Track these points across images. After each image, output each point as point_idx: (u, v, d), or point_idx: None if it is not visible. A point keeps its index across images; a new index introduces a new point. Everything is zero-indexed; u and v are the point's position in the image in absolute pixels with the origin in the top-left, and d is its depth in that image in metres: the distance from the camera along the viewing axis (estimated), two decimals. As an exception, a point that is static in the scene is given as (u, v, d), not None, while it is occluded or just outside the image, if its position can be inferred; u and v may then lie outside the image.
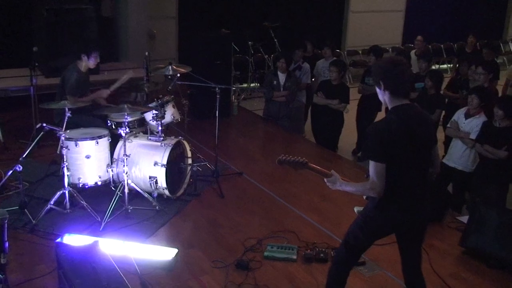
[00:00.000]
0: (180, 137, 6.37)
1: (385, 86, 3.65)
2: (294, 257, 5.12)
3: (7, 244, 3.17)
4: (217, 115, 6.58)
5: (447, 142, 7.23)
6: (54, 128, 5.71)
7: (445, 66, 14.62)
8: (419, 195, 3.75)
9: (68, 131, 5.81)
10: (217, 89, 6.53)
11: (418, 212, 3.78)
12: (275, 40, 11.89)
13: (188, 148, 6.48)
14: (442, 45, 14.82)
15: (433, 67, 10.85)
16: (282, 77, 8.50)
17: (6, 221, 3.17)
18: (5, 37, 9.36)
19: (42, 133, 5.77)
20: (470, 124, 6.51)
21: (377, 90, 3.76)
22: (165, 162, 5.91)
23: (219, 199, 6.35)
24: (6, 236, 3.17)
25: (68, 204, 5.69)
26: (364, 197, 3.91)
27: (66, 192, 5.65)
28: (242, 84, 12.04)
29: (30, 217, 5.45)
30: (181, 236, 5.54)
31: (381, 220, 3.77)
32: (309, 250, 5.19)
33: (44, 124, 5.72)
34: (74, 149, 5.74)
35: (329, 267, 4.11)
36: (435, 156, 3.95)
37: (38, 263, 4.86)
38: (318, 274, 4.87)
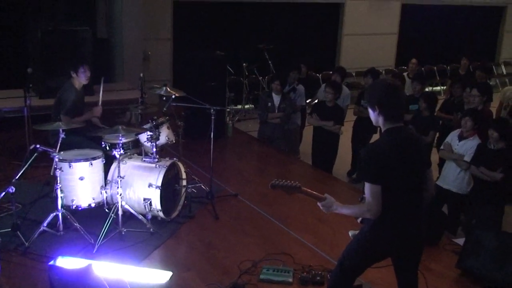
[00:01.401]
0: (174, 159, 6.34)
1: (380, 111, 3.66)
2: (290, 280, 5.07)
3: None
4: (211, 136, 6.57)
5: (441, 164, 7.24)
6: (48, 149, 5.66)
7: (438, 88, 14.71)
8: (415, 217, 3.74)
9: (61, 152, 5.77)
10: (212, 110, 6.53)
11: (414, 234, 3.76)
12: (270, 62, 11.94)
13: (182, 169, 6.44)
14: (435, 67, 14.93)
15: (427, 89, 10.89)
16: (276, 98, 8.51)
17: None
18: (1, 57, 9.36)
19: (35, 154, 5.71)
20: (464, 146, 6.52)
21: (370, 111, 3.76)
22: (159, 183, 5.87)
23: (214, 220, 6.31)
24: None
25: (61, 226, 5.62)
26: (359, 220, 3.88)
27: (59, 214, 5.59)
28: (236, 106, 12.06)
29: (23, 239, 5.37)
30: (175, 259, 5.48)
31: (376, 243, 3.75)
32: (305, 273, 5.14)
33: (38, 145, 5.66)
34: (67, 171, 5.69)
35: None
36: (429, 179, 3.93)
37: (31, 286, 4.79)
38: (314, 297, 4.83)
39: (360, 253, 3.82)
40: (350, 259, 3.86)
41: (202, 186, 6.83)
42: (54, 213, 5.58)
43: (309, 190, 3.78)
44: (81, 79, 6.77)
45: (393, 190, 3.59)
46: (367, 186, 3.60)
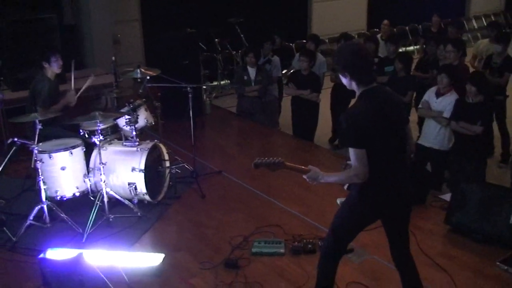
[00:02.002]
0: (155, 141, 6.28)
1: (351, 76, 3.65)
2: (282, 250, 5.10)
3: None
4: (191, 115, 6.51)
5: (420, 122, 7.28)
6: (26, 141, 5.57)
7: (411, 47, 14.73)
8: (400, 176, 3.76)
9: (40, 143, 5.67)
10: (188, 88, 6.47)
11: (401, 193, 3.78)
12: (242, 35, 11.84)
13: (164, 150, 6.39)
14: (407, 27, 14.92)
15: (400, 50, 10.89)
16: (252, 71, 8.45)
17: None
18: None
19: (14, 148, 5.63)
20: (442, 103, 6.54)
21: (342, 78, 3.74)
22: (142, 167, 5.82)
23: (201, 199, 6.29)
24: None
25: (47, 218, 5.56)
26: (345, 187, 3.89)
27: (45, 206, 5.52)
28: (212, 82, 11.96)
29: (10, 235, 5.32)
30: (166, 241, 5.46)
31: (365, 207, 3.76)
32: (296, 243, 5.17)
33: (16, 139, 5.58)
34: (48, 162, 5.60)
35: (318, 259, 4.08)
36: (408, 137, 3.95)
37: (24, 281, 4.75)
38: (307, 265, 4.85)
39: (351, 218, 3.84)
40: (341, 226, 3.88)
41: (186, 165, 6.80)
42: (39, 206, 5.52)
43: (293, 165, 3.78)
44: (53, 68, 6.59)
45: (377, 151, 3.59)
46: (352, 151, 3.59)
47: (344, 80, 3.73)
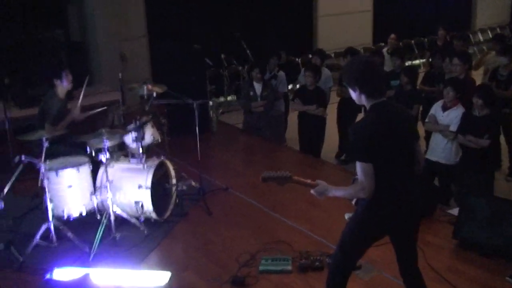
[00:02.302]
0: (162, 157, 6.28)
1: (360, 89, 3.63)
2: (289, 268, 5.07)
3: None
4: (197, 131, 6.52)
5: (428, 136, 7.25)
6: (33, 159, 5.58)
7: (417, 61, 14.72)
8: (408, 191, 3.73)
9: (47, 161, 5.67)
10: (194, 105, 6.48)
11: (409, 209, 3.75)
12: (248, 51, 11.87)
13: (171, 167, 6.39)
14: (412, 41, 14.93)
15: (406, 64, 10.89)
16: (258, 87, 8.46)
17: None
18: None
19: (21, 166, 5.64)
20: (448, 116, 6.53)
21: (351, 91, 3.73)
22: (149, 184, 5.81)
23: (208, 216, 6.27)
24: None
25: (54, 237, 5.54)
26: (353, 202, 3.87)
27: (51, 225, 5.50)
28: (219, 98, 11.98)
29: (17, 254, 5.31)
30: (173, 259, 5.44)
31: (373, 222, 3.74)
32: (303, 260, 5.13)
33: (23, 157, 5.59)
34: (55, 180, 5.61)
35: (327, 276, 4.05)
36: (418, 152, 3.93)
37: (30, 301, 4.75)
38: (315, 282, 4.82)
39: (359, 234, 3.81)
40: (349, 242, 3.85)
41: (192, 182, 6.79)
42: (46, 225, 5.50)
43: (301, 179, 3.76)
44: (64, 84, 6.61)
45: (385, 166, 3.57)
46: (359, 165, 3.57)
47: (353, 94, 3.72)
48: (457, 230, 5.41)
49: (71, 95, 7.60)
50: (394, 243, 3.94)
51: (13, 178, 5.64)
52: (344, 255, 3.89)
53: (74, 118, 6.73)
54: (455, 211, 5.82)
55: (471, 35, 16.00)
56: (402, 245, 3.93)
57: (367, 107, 3.71)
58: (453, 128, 6.41)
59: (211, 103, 9.61)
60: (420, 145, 3.94)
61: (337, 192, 3.74)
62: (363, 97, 3.66)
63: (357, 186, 3.63)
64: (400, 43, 13.67)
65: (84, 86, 6.87)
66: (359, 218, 3.79)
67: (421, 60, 14.53)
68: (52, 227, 5.52)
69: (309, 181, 3.77)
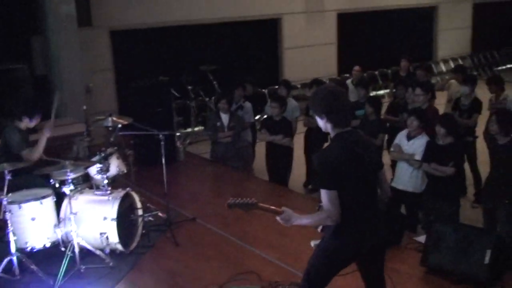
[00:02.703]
0: (128, 189, 6.20)
1: (327, 118, 3.67)
2: (258, 298, 5.02)
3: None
4: (163, 162, 6.47)
5: (394, 165, 7.32)
6: (-6, 192, 5.48)
7: (381, 91, 14.97)
8: (372, 219, 3.77)
9: (10, 194, 5.57)
10: (160, 136, 6.45)
11: (374, 235, 3.77)
12: (214, 82, 11.92)
13: (137, 198, 6.31)
14: (376, 72, 15.20)
15: (371, 94, 11.05)
16: (225, 117, 8.48)
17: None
18: None
19: (-18, 199, 5.52)
20: (413, 145, 6.61)
21: (318, 119, 3.78)
22: (114, 215, 5.73)
23: (175, 247, 6.18)
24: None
25: (17, 270, 5.41)
26: (319, 229, 3.87)
27: (14, 258, 5.38)
28: (186, 129, 11.96)
29: (-23, 289, 5.16)
30: (139, 291, 5.34)
31: (339, 249, 3.74)
32: (272, 289, 5.09)
33: (-16, 190, 5.50)
34: (18, 212, 5.50)
35: None
36: (383, 181, 3.96)
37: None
38: (284, 312, 4.77)
39: (325, 262, 3.80)
40: (315, 270, 3.84)
41: (159, 213, 6.71)
42: (8, 258, 5.38)
43: (266, 206, 3.78)
44: (31, 124, 6.54)
45: (349, 194, 3.61)
46: (324, 193, 3.60)
47: (320, 122, 3.76)
48: (424, 257, 5.43)
49: (34, 129, 7.49)
50: (362, 271, 3.94)
51: (-27, 211, 5.50)
52: (310, 283, 3.87)
53: (47, 133, 6.59)
54: (422, 239, 5.85)
55: (433, 65, 16.39)
56: (369, 273, 3.94)
57: (332, 136, 3.75)
58: (418, 156, 6.49)
59: (178, 133, 9.58)
60: (384, 174, 3.97)
61: (303, 220, 3.75)
62: (329, 125, 3.71)
63: (322, 213, 3.65)
64: (364, 74, 13.92)
65: (55, 102, 6.76)
66: (325, 246, 3.80)
67: (385, 91, 14.76)
68: (15, 260, 5.41)
69: (274, 208, 3.76)
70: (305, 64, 13.95)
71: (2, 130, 6.61)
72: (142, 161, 8.40)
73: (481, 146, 8.15)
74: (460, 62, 16.43)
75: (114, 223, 5.72)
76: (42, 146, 6.46)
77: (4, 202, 5.41)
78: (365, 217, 3.70)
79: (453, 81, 9.02)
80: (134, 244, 6.13)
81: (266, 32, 13.92)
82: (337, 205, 3.57)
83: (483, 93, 8.63)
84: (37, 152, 6.25)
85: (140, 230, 6.26)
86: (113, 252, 5.86)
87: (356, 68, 10.68)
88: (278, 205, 3.82)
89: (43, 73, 10.48)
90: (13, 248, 5.37)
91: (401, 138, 6.82)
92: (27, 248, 5.56)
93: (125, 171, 6.67)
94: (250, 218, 6.71)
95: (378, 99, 8.17)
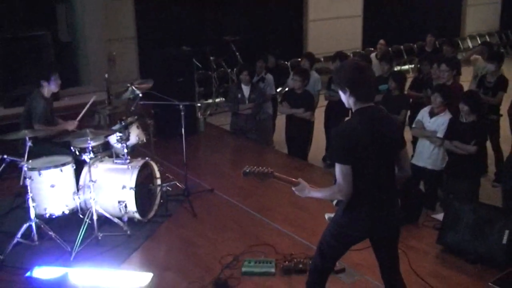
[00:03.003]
0: (147, 158, 6.24)
1: (350, 92, 3.61)
2: (273, 270, 5.03)
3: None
4: (183, 132, 6.48)
5: (415, 141, 7.25)
6: (15, 159, 5.54)
7: (406, 67, 14.76)
8: (387, 197, 3.71)
9: (30, 161, 5.63)
10: (181, 106, 6.45)
11: (388, 214, 3.72)
12: (237, 53, 11.85)
13: (156, 168, 6.35)
14: (402, 46, 14.97)
15: (395, 69, 10.91)
16: (246, 89, 8.44)
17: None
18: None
19: (3, 165, 5.60)
20: (435, 122, 6.52)
21: (341, 93, 3.72)
22: (133, 184, 5.77)
23: (192, 218, 6.23)
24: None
25: (35, 236, 5.48)
26: (334, 203, 3.85)
27: (33, 224, 5.45)
28: (207, 100, 11.95)
29: (-3, 253, 5.26)
30: (155, 260, 5.40)
31: (351, 226, 3.71)
32: (287, 262, 5.10)
33: (5, 156, 5.57)
34: (37, 179, 5.56)
35: (307, 277, 4.03)
36: (404, 159, 3.87)
37: (8, 300, 4.68)
38: (297, 285, 4.78)
39: (336, 236, 3.78)
40: (327, 243, 3.83)
41: (177, 183, 6.73)
42: (28, 224, 5.45)
43: (282, 176, 3.78)
44: (52, 87, 6.58)
45: (364, 169, 3.56)
46: (337, 167, 3.56)
47: (343, 96, 3.70)
48: (441, 235, 5.39)
49: (56, 96, 7.57)
50: (374, 249, 3.92)
51: (-5, 177, 5.59)
52: (322, 256, 3.87)
53: (68, 128, 6.67)
54: (440, 216, 5.81)
55: (460, 41, 16.07)
56: (382, 251, 3.90)
57: (353, 110, 3.69)
58: (440, 134, 6.40)
59: (199, 104, 9.57)
60: (406, 153, 3.89)
61: (316, 193, 3.75)
62: (351, 100, 3.65)
63: (334, 187, 3.62)
64: (390, 49, 13.72)
65: (89, 104, 6.82)
66: (337, 220, 3.77)
67: (410, 66, 14.55)
68: (33, 226, 5.47)
69: (290, 178, 3.76)
70: (329, 36, 13.78)
71: (28, 97, 6.68)
72: (162, 131, 8.43)
73: (505, 125, 8.02)
74: (487, 38, 16.08)
75: (133, 192, 5.76)
76: (55, 131, 6.50)
77: (24, 169, 5.47)
78: (380, 196, 3.65)
79: (479, 57, 8.82)
80: (152, 213, 6.19)
81: (291, 4, 13.75)
82: (350, 181, 3.53)
83: (509, 71, 8.44)
84: (47, 131, 6.29)
85: (158, 199, 6.32)
86: (130, 220, 5.92)
87: (381, 42, 10.53)
88: (294, 178, 3.82)
89: (67, 40, 10.50)
90: (32, 215, 5.44)
91: (423, 114, 6.72)
92: (46, 214, 5.63)
93: (145, 141, 6.70)
94: (267, 191, 6.73)
95: (402, 74, 8.05)
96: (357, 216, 3.65)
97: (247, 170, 3.76)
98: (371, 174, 3.59)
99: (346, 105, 3.74)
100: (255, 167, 3.76)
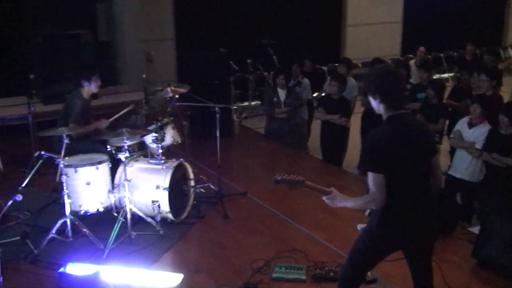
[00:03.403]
0: (181, 159, 6.27)
1: (381, 99, 3.56)
2: (303, 277, 4.99)
3: (1, 279, 3.06)
4: (217, 134, 6.50)
5: (452, 151, 7.12)
6: (52, 155, 5.63)
7: (445, 75, 14.53)
8: (422, 207, 3.62)
9: (67, 158, 5.72)
10: (216, 108, 6.46)
11: (422, 225, 3.64)
12: (274, 57, 11.83)
13: (190, 169, 6.38)
14: (441, 54, 14.75)
15: (434, 77, 10.76)
16: (282, 93, 8.42)
17: (-1, 257, 3.06)
18: (2, 65, 9.32)
19: (40, 161, 5.70)
20: (474, 133, 6.40)
21: (371, 99, 3.65)
22: (167, 185, 5.80)
23: (224, 220, 6.23)
24: (-1, 271, 3.06)
25: (70, 232, 5.55)
26: (366, 213, 3.79)
27: (68, 220, 5.53)
28: (243, 103, 11.97)
29: (32, 247, 5.33)
30: (186, 261, 5.41)
31: (384, 236, 3.64)
32: (318, 270, 5.06)
33: (43, 152, 5.68)
34: (73, 176, 5.63)
35: (337, 286, 3.98)
36: (436, 167, 3.79)
37: (41, 295, 4.74)
38: (328, 294, 4.74)
39: (369, 247, 3.72)
40: (359, 254, 3.77)
41: (211, 185, 6.75)
42: (63, 220, 5.53)
43: (313, 184, 3.73)
44: (92, 88, 6.65)
45: (397, 179, 3.49)
46: (370, 176, 3.50)
47: (373, 103, 3.64)
48: (476, 249, 5.28)
49: (95, 96, 7.65)
50: (408, 259, 3.84)
51: (32, 172, 5.68)
52: (353, 265, 3.81)
53: (100, 126, 6.74)
54: (476, 230, 5.69)
55: (501, 51, 15.75)
56: (416, 262, 3.82)
57: (384, 118, 3.63)
58: (479, 145, 6.28)
59: (234, 107, 9.59)
60: (438, 160, 3.80)
61: (347, 202, 3.68)
62: (382, 107, 3.59)
63: (367, 197, 3.55)
64: (429, 56, 13.53)
65: (123, 111, 6.91)
66: (370, 231, 3.71)
67: (449, 74, 14.32)
68: (68, 222, 5.54)
69: (322, 187, 3.73)
70: (368, 42, 13.66)
71: (67, 95, 6.77)
72: (197, 132, 8.47)
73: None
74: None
75: (166, 193, 5.79)
76: (88, 128, 6.57)
77: (61, 165, 5.55)
78: (414, 206, 3.57)
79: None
80: (185, 214, 6.21)
81: (329, 8, 13.67)
82: (383, 190, 3.45)
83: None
84: (80, 130, 6.36)
85: (191, 200, 6.34)
86: (163, 220, 5.96)
87: (421, 49, 10.42)
88: (330, 186, 3.77)
89: (106, 40, 10.64)
90: (67, 211, 5.52)
91: (462, 125, 6.61)
92: (80, 211, 5.70)
93: (180, 142, 6.74)
94: (300, 196, 6.68)
95: (441, 83, 7.95)
96: (391, 225, 3.58)
97: (278, 178, 3.75)
98: (405, 183, 3.52)
99: (376, 111, 3.68)
100: (286, 175, 3.74)
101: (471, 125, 6.45)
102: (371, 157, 3.51)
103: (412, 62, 10.32)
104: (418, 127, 3.67)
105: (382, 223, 3.59)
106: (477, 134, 6.34)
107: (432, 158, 3.71)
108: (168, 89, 6.74)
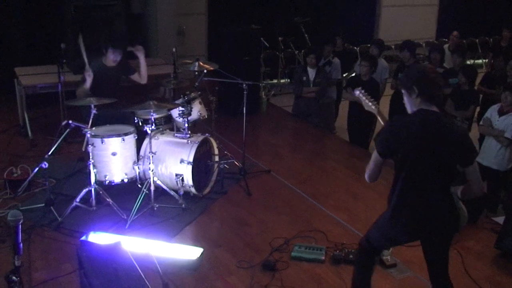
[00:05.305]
0: (207, 134, 6.28)
1: (419, 91, 3.50)
2: (322, 258, 4.99)
3: (21, 246, 3.11)
4: (244, 111, 6.49)
5: (481, 139, 7.00)
6: (80, 125, 5.70)
7: (480, 61, 14.25)
8: (435, 204, 3.56)
9: (94, 128, 5.78)
10: (244, 85, 6.44)
11: (434, 220, 3.59)
12: (306, 35, 11.73)
13: (215, 145, 6.39)
14: (477, 40, 14.45)
15: (468, 62, 10.56)
16: (312, 72, 8.35)
17: (20, 223, 3.10)
18: (34, 34, 9.41)
19: (68, 130, 5.77)
20: (504, 121, 6.28)
21: (405, 95, 3.59)
22: (191, 159, 5.82)
23: (247, 197, 6.25)
24: (20, 238, 3.10)
25: (94, 201, 5.64)
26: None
27: (92, 189, 5.61)
28: (272, 80, 11.92)
29: (56, 215, 5.42)
30: (207, 235, 5.45)
31: (396, 228, 3.69)
32: (337, 251, 5.06)
33: (70, 121, 5.76)
34: (100, 146, 5.69)
35: (354, 268, 4.04)
36: (472, 173, 3.50)
37: (63, 261, 4.83)
38: (346, 275, 4.72)
39: (383, 234, 3.79)
40: (374, 238, 3.84)
41: (235, 162, 6.76)
42: (87, 189, 5.62)
43: (384, 116, 3.83)
44: (110, 57, 6.68)
45: (409, 172, 3.49)
46: (374, 153, 3.59)
47: (407, 99, 3.60)
48: (500, 239, 5.21)
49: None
50: (424, 249, 3.83)
51: (59, 141, 5.75)
52: (368, 246, 3.87)
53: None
54: (500, 220, 5.62)
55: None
56: (430, 253, 3.81)
57: (415, 109, 3.57)
58: (508, 134, 6.17)
59: (262, 84, 9.54)
60: (476, 170, 3.51)
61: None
62: (418, 101, 3.52)
63: (367, 166, 3.67)
64: (464, 41, 13.26)
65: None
66: (384, 222, 3.75)
67: (484, 60, 14.03)
68: (93, 192, 5.62)
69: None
70: (402, 24, 13.42)
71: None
72: (224, 108, 8.48)
73: None
74: None
75: (190, 167, 5.82)
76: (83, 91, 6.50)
77: (88, 135, 5.62)
78: (424, 202, 3.54)
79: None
80: (208, 189, 6.25)
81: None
82: (376, 171, 3.61)
83: None
84: (105, 100, 6.29)
85: (215, 176, 6.37)
86: (186, 194, 5.99)
87: (454, 33, 10.19)
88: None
89: (139, 12, 10.65)
90: (92, 180, 5.59)
91: (492, 112, 6.48)
92: (105, 181, 5.76)
93: (206, 117, 6.75)
94: (324, 177, 6.68)
95: (472, 68, 7.76)
96: (401, 218, 3.62)
97: (359, 92, 3.98)
98: (417, 178, 3.51)
99: (409, 110, 3.62)
100: (366, 94, 3.96)
101: (501, 113, 6.33)
102: (383, 138, 3.56)
103: (446, 46, 10.13)
104: (447, 128, 3.48)
105: (393, 217, 3.65)
106: (507, 123, 6.22)
107: (467, 167, 3.49)
108: (196, 63, 6.73)
